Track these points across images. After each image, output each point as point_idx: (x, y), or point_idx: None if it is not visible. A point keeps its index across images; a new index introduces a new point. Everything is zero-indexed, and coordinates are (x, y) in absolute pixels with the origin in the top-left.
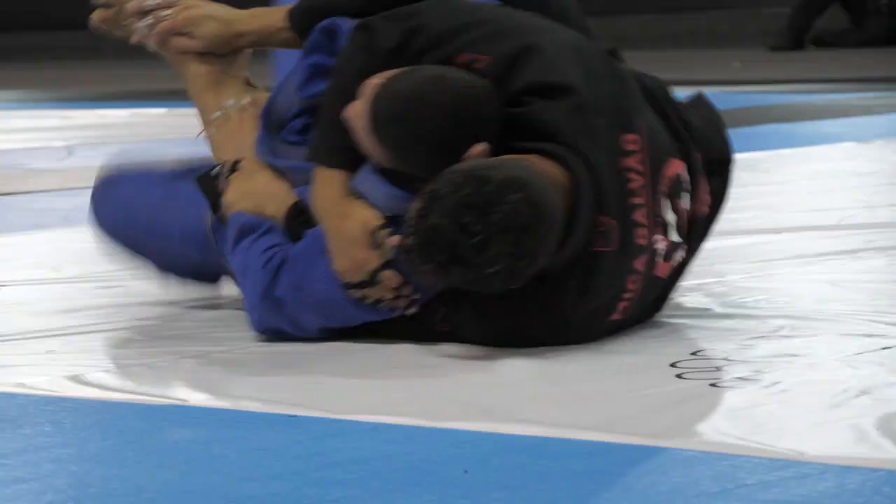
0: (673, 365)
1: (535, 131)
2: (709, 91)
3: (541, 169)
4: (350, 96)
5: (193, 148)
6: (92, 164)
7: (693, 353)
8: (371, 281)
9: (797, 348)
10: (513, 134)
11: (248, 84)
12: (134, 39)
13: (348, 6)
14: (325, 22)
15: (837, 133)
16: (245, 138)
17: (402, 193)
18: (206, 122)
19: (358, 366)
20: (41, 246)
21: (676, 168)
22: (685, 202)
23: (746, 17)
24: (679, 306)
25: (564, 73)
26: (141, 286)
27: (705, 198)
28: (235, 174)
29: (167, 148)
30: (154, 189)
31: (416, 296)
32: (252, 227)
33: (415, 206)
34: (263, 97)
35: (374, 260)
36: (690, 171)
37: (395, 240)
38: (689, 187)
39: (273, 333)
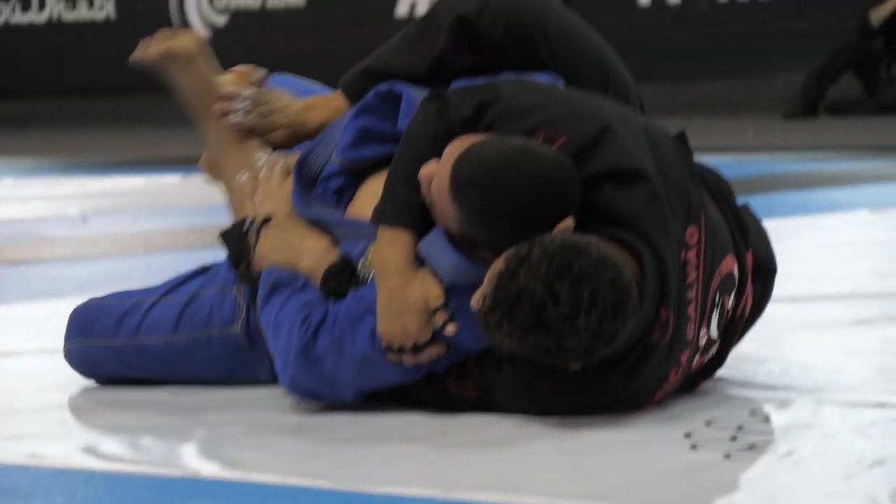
0: (687, 435)
1: (607, 217)
2: (722, 158)
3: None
4: (421, 160)
5: (206, 217)
6: (107, 231)
7: (707, 424)
8: (413, 350)
9: (811, 419)
10: (585, 217)
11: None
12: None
13: (404, 72)
14: (382, 86)
15: (851, 201)
16: (278, 193)
17: (468, 264)
18: (230, 180)
19: (374, 434)
20: (54, 315)
21: (730, 265)
22: (731, 300)
23: (760, 85)
24: None
25: (639, 158)
26: None
27: (749, 299)
28: (267, 227)
29: (181, 216)
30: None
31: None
32: (286, 282)
33: (500, 266)
34: (290, 157)
35: (424, 333)
36: (740, 270)
37: (452, 328)
38: (737, 286)
39: (305, 394)
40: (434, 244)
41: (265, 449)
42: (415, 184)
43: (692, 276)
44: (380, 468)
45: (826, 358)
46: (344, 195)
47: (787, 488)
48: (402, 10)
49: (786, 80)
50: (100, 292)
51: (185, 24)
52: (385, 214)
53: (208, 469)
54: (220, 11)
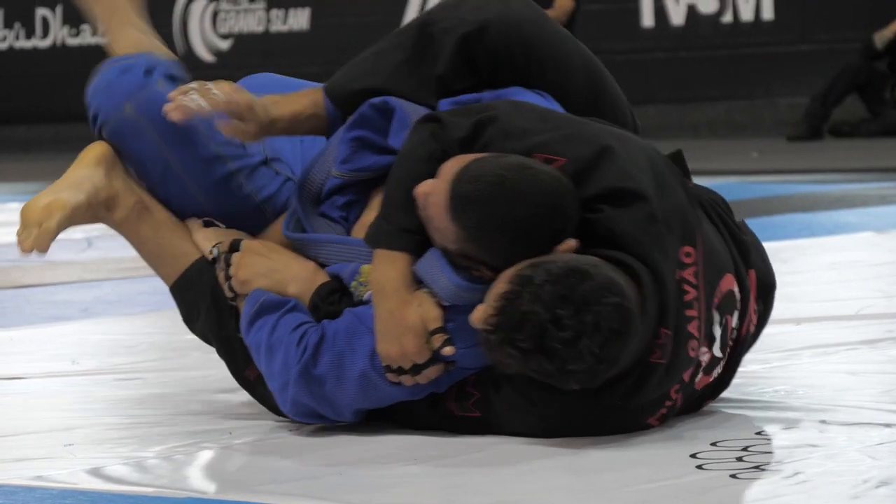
0: (693, 455)
1: (606, 238)
2: (726, 181)
3: None
4: (416, 180)
5: None
6: (111, 255)
7: (713, 444)
8: (412, 371)
9: (817, 439)
10: (584, 238)
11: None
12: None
13: (411, 97)
14: (376, 99)
15: (855, 223)
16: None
17: (466, 284)
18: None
19: (378, 455)
20: (60, 338)
21: (730, 284)
22: (734, 319)
23: (764, 108)
24: None
25: (638, 179)
26: (159, 378)
27: (753, 317)
28: (238, 255)
29: None
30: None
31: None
32: (275, 305)
33: (503, 287)
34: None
35: (423, 354)
36: (741, 288)
37: (450, 349)
38: (739, 305)
39: (305, 416)
40: (431, 264)
41: (271, 470)
42: (410, 205)
43: (691, 294)
44: (385, 489)
45: (832, 378)
46: (352, 209)
47: None
48: None
49: (789, 103)
50: (105, 316)
51: (188, 48)
52: (381, 236)
53: (214, 490)
54: (224, 36)
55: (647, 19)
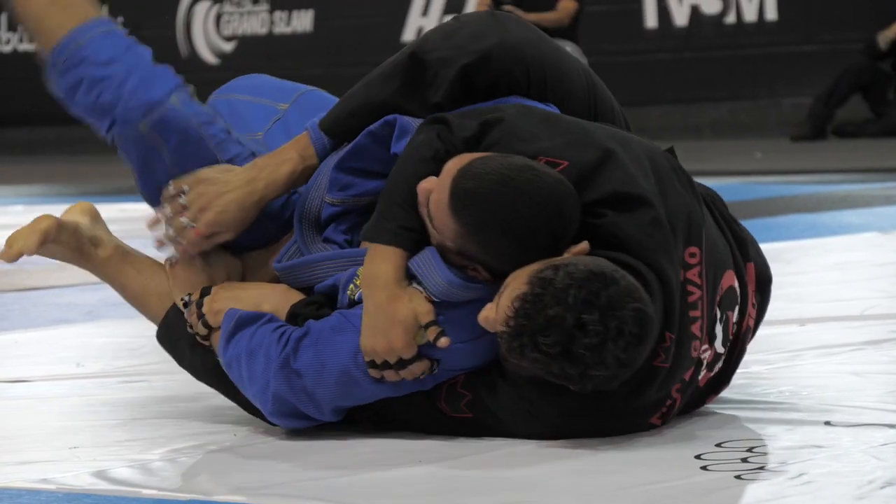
0: (698, 457)
1: (611, 242)
2: (731, 182)
3: None
4: (419, 179)
5: None
6: None
7: (718, 445)
8: (397, 366)
9: (822, 439)
10: (589, 242)
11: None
12: (163, 250)
13: (382, 107)
14: (374, 125)
15: (859, 223)
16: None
17: (460, 282)
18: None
19: (382, 457)
20: (64, 341)
21: (731, 280)
22: (735, 314)
23: (767, 108)
24: None
25: (642, 183)
26: (163, 380)
27: (752, 311)
28: (209, 297)
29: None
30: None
31: (437, 372)
32: (252, 318)
33: (522, 288)
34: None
35: (410, 349)
36: (741, 283)
37: (445, 341)
38: (739, 300)
39: (286, 417)
40: (426, 261)
41: (275, 472)
42: (410, 203)
43: (696, 294)
44: (389, 491)
45: (837, 379)
46: (356, 233)
47: None
48: (408, 34)
49: (793, 103)
50: (109, 318)
51: (192, 50)
52: (378, 232)
53: (219, 492)
54: (228, 38)
55: (651, 20)
